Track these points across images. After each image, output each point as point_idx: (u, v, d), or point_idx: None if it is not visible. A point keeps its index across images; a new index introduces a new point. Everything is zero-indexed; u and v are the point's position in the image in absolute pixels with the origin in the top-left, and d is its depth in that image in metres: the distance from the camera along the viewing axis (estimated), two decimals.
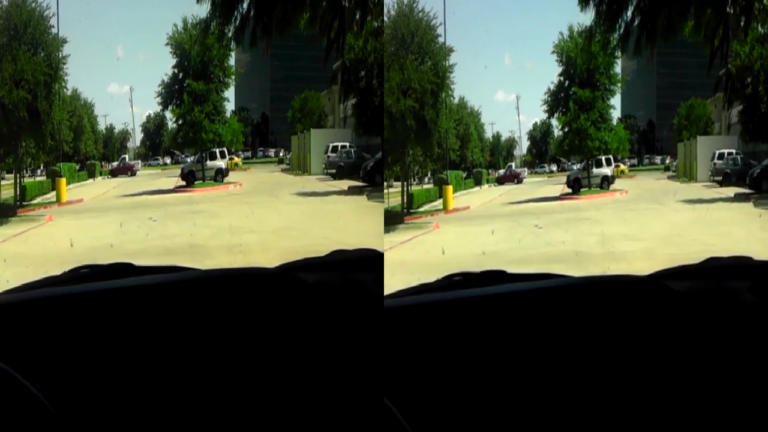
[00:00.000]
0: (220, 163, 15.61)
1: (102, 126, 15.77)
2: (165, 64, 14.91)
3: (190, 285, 2.02)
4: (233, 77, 15.76)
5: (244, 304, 1.99)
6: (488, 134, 17.39)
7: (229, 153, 15.91)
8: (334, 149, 15.36)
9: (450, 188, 15.24)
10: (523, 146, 17.49)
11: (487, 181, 16.80)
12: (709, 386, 2.02)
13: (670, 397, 2.08)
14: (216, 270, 2.11)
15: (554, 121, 16.40)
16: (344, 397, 1.90)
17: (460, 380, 2.01)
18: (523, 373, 2.16)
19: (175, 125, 15.28)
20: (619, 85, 16.95)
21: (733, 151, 16.94)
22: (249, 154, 16.93)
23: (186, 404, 1.88)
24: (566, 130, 16.02)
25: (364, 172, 14.61)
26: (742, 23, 11.37)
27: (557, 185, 16.37)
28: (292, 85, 16.85)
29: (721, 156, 16.95)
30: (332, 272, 2.14)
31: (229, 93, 15.79)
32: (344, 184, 14.95)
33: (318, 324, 1.95)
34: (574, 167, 16.64)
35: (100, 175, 15.56)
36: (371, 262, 2.19)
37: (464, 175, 16.73)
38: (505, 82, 17.57)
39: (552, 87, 16.13)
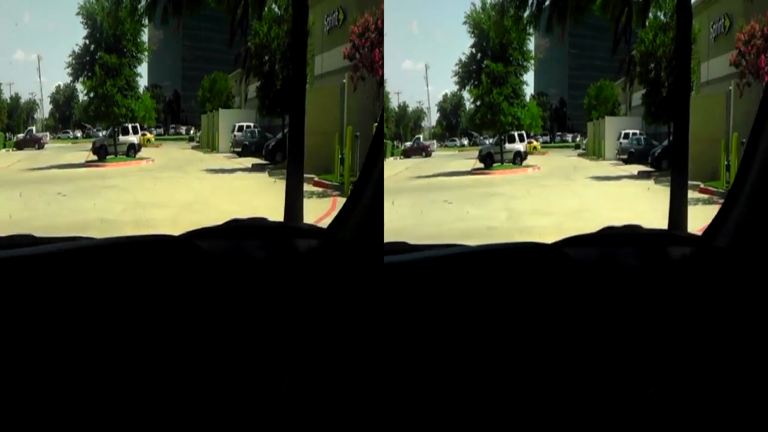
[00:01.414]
0: (133, 139, 15.49)
1: (6, 95, 15.31)
2: (76, 35, 14.55)
3: (89, 253, 2.02)
4: (146, 53, 15.56)
5: (144, 270, 2.00)
6: (393, 104, 17.14)
7: (142, 129, 15.80)
8: (240, 129, 16.08)
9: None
10: (432, 118, 17.31)
11: (392, 154, 16.73)
12: (601, 349, 2.10)
13: (568, 361, 2.14)
14: (114, 238, 2.12)
15: (466, 94, 16.23)
16: (239, 365, 1.94)
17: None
18: (426, 340, 2.21)
19: (86, 98, 14.98)
20: (532, 61, 16.84)
21: (637, 131, 17.39)
22: (161, 130, 16.85)
23: (89, 372, 1.89)
24: (478, 103, 15.87)
25: (266, 150, 15.33)
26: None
27: (469, 159, 16.31)
28: (202, 66, 16.89)
29: (626, 136, 17.39)
30: (227, 239, 2.18)
31: (142, 69, 15.56)
32: (249, 161, 15.59)
33: (212, 288, 1.98)
34: (487, 142, 16.58)
35: (5, 147, 15.17)
36: (264, 230, 2.25)
37: None
38: (412, 50, 17.25)
39: (463, 58, 16.02)
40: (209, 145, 16.35)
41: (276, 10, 12.36)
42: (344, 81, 15.60)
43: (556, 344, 2.17)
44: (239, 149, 15.93)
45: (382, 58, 15.09)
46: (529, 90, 16.99)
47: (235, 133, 16.07)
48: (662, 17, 14.37)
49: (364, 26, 15.40)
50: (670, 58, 14.82)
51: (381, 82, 14.79)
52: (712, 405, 2.05)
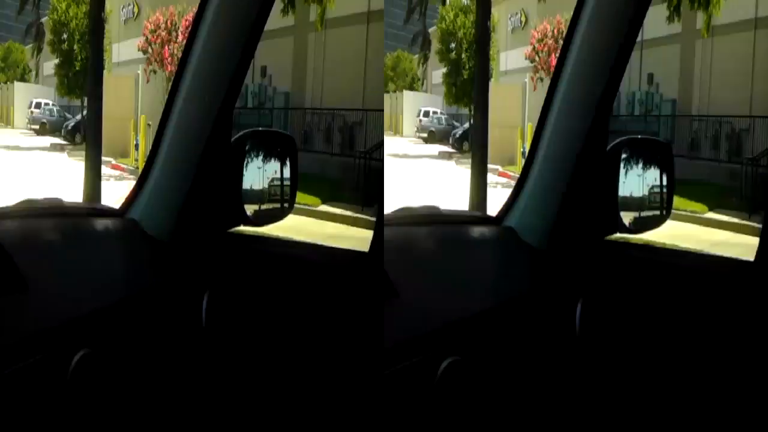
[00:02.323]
0: None
1: None
2: None
3: None
4: None
5: None
6: None
7: None
8: (38, 105, 15.83)
9: None
10: None
11: None
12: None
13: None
14: None
15: None
16: (36, 340, 1.93)
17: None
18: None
19: None
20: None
21: (438, 110, 17.48)
22: None
23: None
24: None
25: (65, 131, 15.42)
26: None
27: None
28: None
29: (426, 114, 17.49)
30: (20, 220, 2.17)
31: None
32: (47, 140, 15.39)
33: (6, 271, 1.95)
34: None
35: None
36: (60, 211, 2.27)
37: None
38: None
39: None
40: (3, 120, 15.81)
41: None
42: (139, 72, 15.54)
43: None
44: (37, 127, 15.66)
45: (171, 55, 15.09)
46: None
47: (33, 109, 15.78)
48: (464, 0, 14.56)
49: (156, 23, 15.29)
50: (471, 41, 15.13)
51: (170, 78, 14.62)
52: (498, 374, 2.20)
